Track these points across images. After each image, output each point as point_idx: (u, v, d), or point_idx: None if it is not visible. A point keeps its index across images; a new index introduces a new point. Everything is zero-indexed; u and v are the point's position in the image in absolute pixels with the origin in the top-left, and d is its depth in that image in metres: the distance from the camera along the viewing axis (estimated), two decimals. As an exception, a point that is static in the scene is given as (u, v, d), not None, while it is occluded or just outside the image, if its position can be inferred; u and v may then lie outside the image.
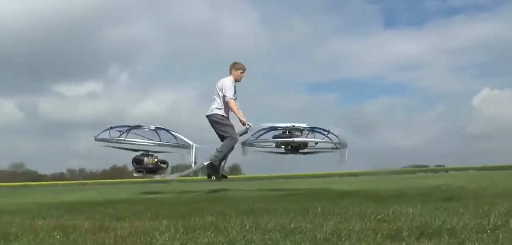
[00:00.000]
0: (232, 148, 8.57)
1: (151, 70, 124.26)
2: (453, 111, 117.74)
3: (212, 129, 8.60)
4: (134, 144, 9.32)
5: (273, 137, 8.55)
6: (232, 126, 8.55)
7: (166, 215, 4.35)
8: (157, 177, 10.03)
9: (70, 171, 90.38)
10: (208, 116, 8.60)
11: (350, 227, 2.92)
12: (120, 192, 12.76)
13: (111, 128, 9.30)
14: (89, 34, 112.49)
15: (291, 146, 8.50)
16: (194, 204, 5.88)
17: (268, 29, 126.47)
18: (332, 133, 8.49)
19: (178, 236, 2.87)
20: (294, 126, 8.37)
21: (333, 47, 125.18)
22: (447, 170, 59.41)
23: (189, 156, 9.37)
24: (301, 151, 8.59)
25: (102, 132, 9.45)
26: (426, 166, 74.67)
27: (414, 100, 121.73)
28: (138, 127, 9.28)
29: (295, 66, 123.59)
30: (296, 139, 8.40)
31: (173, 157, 9.99)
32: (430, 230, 2.73)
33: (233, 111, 8.44)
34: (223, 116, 8.50)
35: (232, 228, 3.09)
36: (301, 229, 2.88)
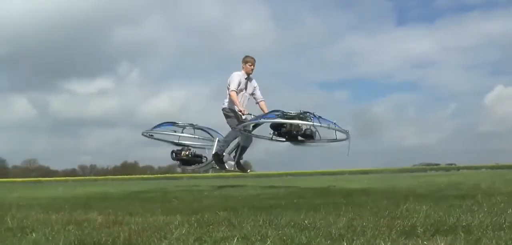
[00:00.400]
0: (234, 138, 8.85)
1: (162, 68, 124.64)
2: (465, 109, 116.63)
3: None
4: (174, 137, 9.98)
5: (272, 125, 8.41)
6: (235, 118, 8.66)
7: (178, 211, 4.36)
8: (191, 168, 10.63)
9: (82, 167, 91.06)
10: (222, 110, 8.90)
11: (364, 224, 2.91)
12: (131, 188, 12.83)
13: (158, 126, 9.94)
14: (100, 32, 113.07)
15: (292, 135, 8.25)
16: (205, 200, 5.90)
17: (279, 26, 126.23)
18: (338, 125, 8.25)
19: (192, 231, 2.88)
20: (301, 112, 8.19)
21: (344, 45, 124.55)
22: (458, 169, 58.96)
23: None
24: (301, 140, 8.38)
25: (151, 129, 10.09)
26: (437, 164, 74.16)
27: (425, 98, 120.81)
28: (174, 123, 9.87)
29: (306, 64, 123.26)
30: (292, 121, 8.00)
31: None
32: (445, 227, 2.71)
33: (233, 102, 8.58)
34: (229, 108, 8.70)
35: (245, 224, 3.09)
36: (315, 225, 2.87)
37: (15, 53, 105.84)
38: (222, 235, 2.61)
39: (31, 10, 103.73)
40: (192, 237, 2.60)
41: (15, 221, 3.71)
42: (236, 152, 9.10)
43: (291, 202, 4.86)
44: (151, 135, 10.16)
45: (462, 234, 2.47)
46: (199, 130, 10.01)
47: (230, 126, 8.79)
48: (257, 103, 8.92)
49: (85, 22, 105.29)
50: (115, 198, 7.13)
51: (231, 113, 8.72)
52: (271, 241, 2.32)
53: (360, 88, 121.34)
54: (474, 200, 4.56)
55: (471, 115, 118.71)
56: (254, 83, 8.84)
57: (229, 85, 8.60)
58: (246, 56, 8.86)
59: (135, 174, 74.80)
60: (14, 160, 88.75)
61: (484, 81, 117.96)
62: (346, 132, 8.24)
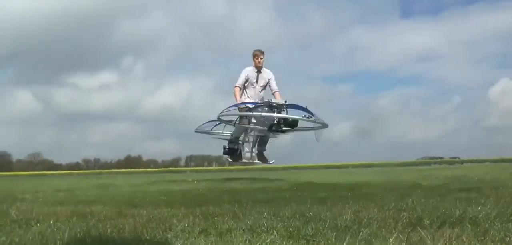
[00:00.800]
0: (240, 133, 9.04)
1: (166, 61, 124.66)
2: (469, 103, 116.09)
3: None
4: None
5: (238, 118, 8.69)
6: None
7: (182, 203, 4.36)
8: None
9: (86, 161, 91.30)
10: None
11: (370, 216, 2.89)
12: (135, 181, 12.86)
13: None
14: (103, 26, 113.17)
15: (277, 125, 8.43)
16: (209, 193, 5.89)
17: (283, 19, 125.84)
18: (310, 112, 8.40)
19: (197, 222, 2.87)
20: (270, 101, 8.37)
21: (348, 38, 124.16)
22: (462, 162, 58.81)
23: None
24: (276, 129, 8.56)
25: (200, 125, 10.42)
26: (441, 158, 74.01)
27: (430, 92, 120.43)
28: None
29: (310, 57, 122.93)
30: (264, 114, 8.25)
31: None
32: (452, 219, 2.69)
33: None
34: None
35: (250, 216, 3.08)
36: (320, 217, 2.86)
37: (19, 47, 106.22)
38: (227, 226, 2.60)
39: (35, 5, 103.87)
40: (197, 229, 2.59)
41: (20, 213, 3.71)
42: (255, 144, 9.21)
43: (295, 195, 4.84)
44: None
45: (469, 226, 2.45)
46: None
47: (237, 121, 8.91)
48: (272, 94, 8.99)
49: (89, 16, 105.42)
50: (118, 190, 7.15)
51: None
52: (277, 232, 2.30)
53: (364, 82, 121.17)
54: (480, 193, 4.53)
55: (475, 108, 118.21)
56: (267, 75, 8.94)
57: None
58: (254, 50, 8.99)
59: (139, 168, 74.97)
60: (18, 154, 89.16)
61: (488, 74, 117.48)
62: (323, 124, 8.44)
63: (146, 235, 2.47)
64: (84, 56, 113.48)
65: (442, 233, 2.22)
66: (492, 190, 4.89)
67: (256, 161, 9.37)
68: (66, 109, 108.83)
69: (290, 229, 2.38)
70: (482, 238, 2.12)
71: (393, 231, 2.34)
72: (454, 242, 2.00)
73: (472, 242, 2.02)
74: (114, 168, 75.41)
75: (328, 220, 2.70)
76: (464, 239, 2.06)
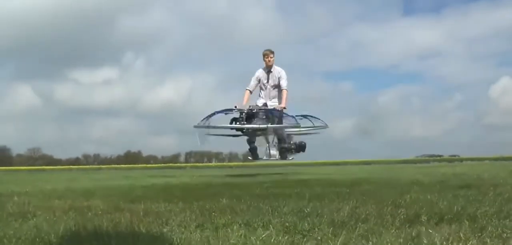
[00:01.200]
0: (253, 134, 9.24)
1: (167, 58, 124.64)
2: (471, 100, 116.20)
3: None
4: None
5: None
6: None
7: (180, 198, 4.34)
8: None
9: (85, 156, 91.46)
10: None
11: (367, 212, 2.88)
12: (134, 176, 12.85)
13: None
14: (105, 21, 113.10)
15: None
16: (207, 189, 5.88)
17: (284, 16, 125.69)
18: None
19: (194, 217, 2.86)
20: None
21: (350, 35, 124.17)
22: (462, 160, 58.81)
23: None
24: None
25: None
26: (441, 155, 74.05)
27: (431, 89, 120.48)
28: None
29: (311, 54, 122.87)
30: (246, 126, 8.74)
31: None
32: (450, 216, 2.68)
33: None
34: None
35: (248, 211, 3.07)
36: (318, 213, 2.84)
37: (20, 42, 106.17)
38: (224, 221, 2.59)
39: (36, 0, 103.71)
40: (194, 224, 2.58)
41: (16, 207, 3.70)
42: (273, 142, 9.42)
43: (294, 191, 4.83)
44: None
45: (467, 222, 2.44)
46: None
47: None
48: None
49: (91, 11, 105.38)
50: (116, 186, 7.13)
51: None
52: (273, 227, 2.29)
53: (365, 79, 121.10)
54: (478, 190, 4.52)
55: (476, 106, 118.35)
56: (277, 73, 9.07)
57: None
58: (263, 50, 9.23)
59: (139, 163, 75.05)
60: (18, 149, 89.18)
61: (490, 72, 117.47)
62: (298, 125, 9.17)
63: (142, 229, 2.45)
64: (85, 52, 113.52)
65: (439, 229, 2.21)
66: (490, 187, 4.87)
67: (275, 158, 9.50)
68: (67, 105, 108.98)
69: (287, 224, 2.37)
70: (480, 234, 2.11)
71: (390, 227, 2.33)
72: (451, 238, 1.98)
73: (470, 238, 2.01)
74: (114, 164, 75.51)
75: (325, 215, 2.68)
76: (462, 236, 2.05)
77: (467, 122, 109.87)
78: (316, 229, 2.22)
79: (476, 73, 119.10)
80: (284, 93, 8.97)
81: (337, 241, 1.91)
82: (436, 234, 2.03)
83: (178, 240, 2.05)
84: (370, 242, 1.83)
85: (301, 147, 9.84)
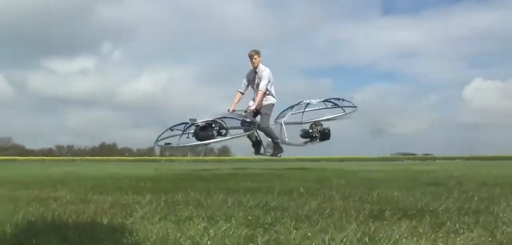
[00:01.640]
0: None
1: (145, 49, 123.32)
2: (445, 100, 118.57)
3: None
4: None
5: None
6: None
7: (150, 190, 4.31)
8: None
9: (59, 147, 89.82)
10: None
11: (333, 207, 2.90)
12: (107, 168, 12.70)
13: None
14: (82, 10, 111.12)
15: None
16: (180, 181, 5.84)
17: (265, 11, 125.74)
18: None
19: (159, 210, 2.84)
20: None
21: (330, 32, 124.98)
22: (435, 159, 59.87)
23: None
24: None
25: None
26: (414, 154, 75.27)
27: (407, 88, 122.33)
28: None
29: (291, 50, 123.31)
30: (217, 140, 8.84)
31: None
32: (413, 212, 2.72)
33: None
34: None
35: (214, 204, 3.06)
36: (283, 207, 2.85)
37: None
38: (188, 214, 2.57)
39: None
40: (158, 216, 2.56)
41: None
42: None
43: (265, 185, 4.83)
44: None
45: (428, 218, 2.48)
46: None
47: None
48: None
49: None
50: (88, 177, 7.03)
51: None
52: (235, 221, 2.29)
53: (343, 76, 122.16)
54: (445, 188, 4.61)
55: (450, 106, 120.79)
56: (261, 73, 9.02)
57: None
58: (249, 52, 9.20)
59: (113, 156, 74.19)
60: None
61: (464, 73, 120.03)
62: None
63: (104, 221, 2.42)
64: (61, 40, 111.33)
65: (400, 225, 2.24)
66: (457, 185, 4.98)
67: (268, 153, 9.53)
68: (41, 94, 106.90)
69: (249, 217, 2.37)
70: (438, 230, 2.15)
71: (354, 221, 2.35)
72: (406, 233, 2.01)
73: (427, 233, 2.04)
74: (88, 155, 74.43)
75: (290, 210, 2.69)
76: (420, 230, 2.08)
77: (441, 122, 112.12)
78: (278, 223, 2.22)
79: (450, 74, 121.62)
80: (259, 94, 8.97)
81: (297, 234, 1.91)
82: (394, 229, 2.05)
83: (137, 232, 2.02)
84: (327, 236, 1.83)
85: (325, 135, 9.98)
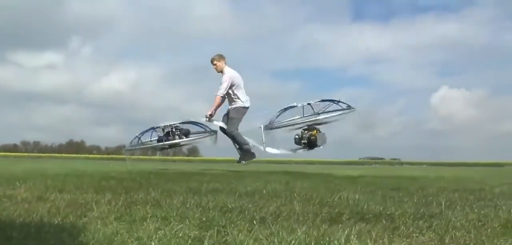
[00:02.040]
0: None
1: (115, 46, 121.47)
2: (413, 106, 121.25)
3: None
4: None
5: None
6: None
7: (111, 189, 4.24)
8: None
9: (24, 143, 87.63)
10: None
11: (291, 209, 2.91)
12: (72, 166, 12.43)
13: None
14: (51, 3, 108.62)
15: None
16: (143, 180, 5.76)
17: (236, 11, 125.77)
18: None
19: (116, 209, 2.78)
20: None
21: (301, 36, 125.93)
22: (402, 164, 61.04)
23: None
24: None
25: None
26: (382, 158, 76.59)
27: (376, 94, 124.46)
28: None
29: (261, 52, 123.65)
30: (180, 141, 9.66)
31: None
32: (370, 215, 2.75)
33: None
34: None
35: (173, 205, 3.02)
36: (242, 209, 2.84)
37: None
38: (143, 214, 2.53)
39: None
40: (113, 215, 2.51)
41: None
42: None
43: (229, 186, 4.82)
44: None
45: (384, 222, 2.51)
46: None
47: None
48: None
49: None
50: (50, 174, 6.85)
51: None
52: (189, 222, 2.26)
53: (313, 79, 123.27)
54: (406, 192, 4.69)
55: (417, 112, 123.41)
56: (222, 77, 9.00)
57: None
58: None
59: (81, 153, 72.81)
60: None
61: (431, 80, 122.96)
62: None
63: (55, 220, 2.35)
64: (29, 33, 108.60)
65: (355, 228, 2.26)
66: (418, 189, 5.08)
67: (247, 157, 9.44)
68: (7, 88, 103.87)
69: (204, 219, 2.35)
70: (391, 233, 2.17)
71: (311, 225, 2.36)
72: (359, 235, 2.03)
73: (380, 237, 2.06)
74: (55, 152, 72.85)
75: (248, 212, 2.69)
76: (373, 234, 2.10)
77: (409, 127, 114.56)
78: (232, 225, 2.21)
79: (419, 81, 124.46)
80: (217, 99, 9.02)
81: (246, 236, 1.90)
82: (345, 231, 2.07)
83: (85, 233, 1.97)
84: (276, 238, 1.83)
85: (311, 143, 9.60)
